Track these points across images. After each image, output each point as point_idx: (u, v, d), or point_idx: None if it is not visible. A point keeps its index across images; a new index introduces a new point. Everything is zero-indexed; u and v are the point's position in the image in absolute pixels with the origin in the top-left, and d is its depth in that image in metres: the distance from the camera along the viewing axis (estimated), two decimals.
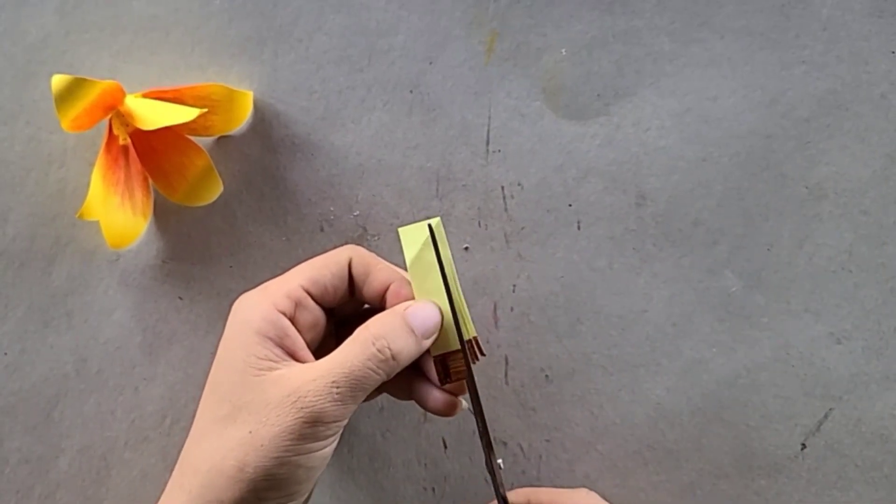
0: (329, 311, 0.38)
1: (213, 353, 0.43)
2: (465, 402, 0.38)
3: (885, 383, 0.43)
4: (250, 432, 0.32)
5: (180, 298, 0.44)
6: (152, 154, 0.42)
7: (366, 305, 0.39)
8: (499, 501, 0.37)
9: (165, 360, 0.44)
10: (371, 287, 0.37)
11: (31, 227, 0.44)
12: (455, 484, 0.44)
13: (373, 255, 0.38)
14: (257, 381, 0.33)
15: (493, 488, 0.38)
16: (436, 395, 0.37)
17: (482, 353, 0.37)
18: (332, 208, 0.44)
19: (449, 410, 0.37)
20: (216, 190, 0.43)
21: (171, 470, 0.43)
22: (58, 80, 0.38)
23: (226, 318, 0.35)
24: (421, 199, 0.44)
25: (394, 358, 0.34)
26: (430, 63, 0.44)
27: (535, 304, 0.43)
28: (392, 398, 0.44)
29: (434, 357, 0.36)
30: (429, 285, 0.36)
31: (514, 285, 0.43)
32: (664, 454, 0.43)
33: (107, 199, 0.41)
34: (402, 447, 0.44)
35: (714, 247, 0.43)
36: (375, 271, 0.37)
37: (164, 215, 0.44)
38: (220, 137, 0.44)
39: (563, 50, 0.43)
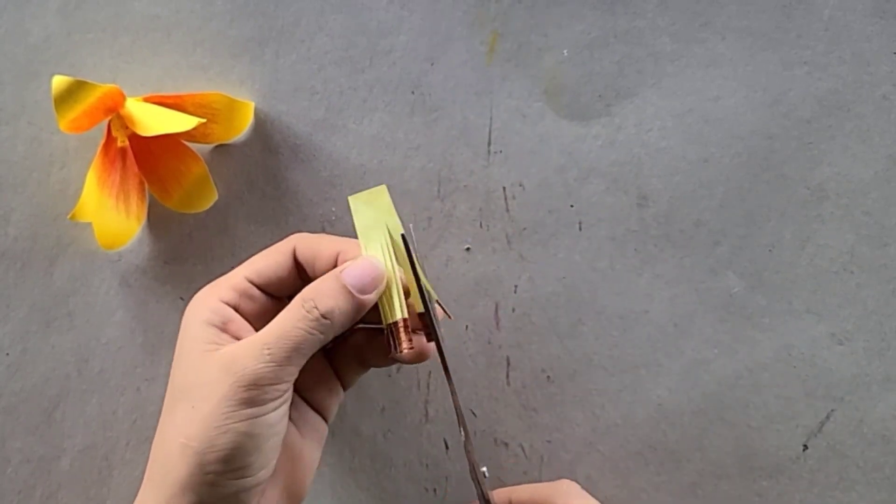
0: (279, 299, 0.38)
1: None
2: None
3: (886, 384, 0.43)
4: (193, 407, 0.33)
5: (182, 299, 0.44)
6: (149, 158, 0.42)
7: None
8: None
9: (167, 361, 0.44)
10: (322, 262, 0.37)
11: (32, 227, 0.44)
12: (456, 484, 0.44)
13: (319, 235, 0.38)
14: (202, 361, 0.34)
15: (477, 494, 0.38)
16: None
17: (448, 317, 0.38)
18: (333, 209, 0.44)
19: (417, 358, 0.38)
20: (211, 198, 0.43)
21: None
22: (58, 82, 0.38)
23: None
24: (422, 200, 0.44)
25: (324, 317, 0.34)
26: (432, 63, 0.44)
27: (537, 304, 0.43)
28: (392, 398, 0.44)
29: (386, 326, 0.36)
30: (376, 250, 0.36)
31: (516, 286, 0.43)
32: (665, 455, 0.43)
33: (101, 201, 0.41)
34: (403, 448, 0.44)
35: (716, 247, 0.43)
36: (322, 248, 0.37)
37: (166, 216, 0.44)
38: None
39: (565, 50, 0.43)
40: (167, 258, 0.44)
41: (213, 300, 0.36)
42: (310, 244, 0.38)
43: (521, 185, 0.43)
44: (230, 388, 0.33)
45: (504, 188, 0.44)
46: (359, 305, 0.35)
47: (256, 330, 0.36)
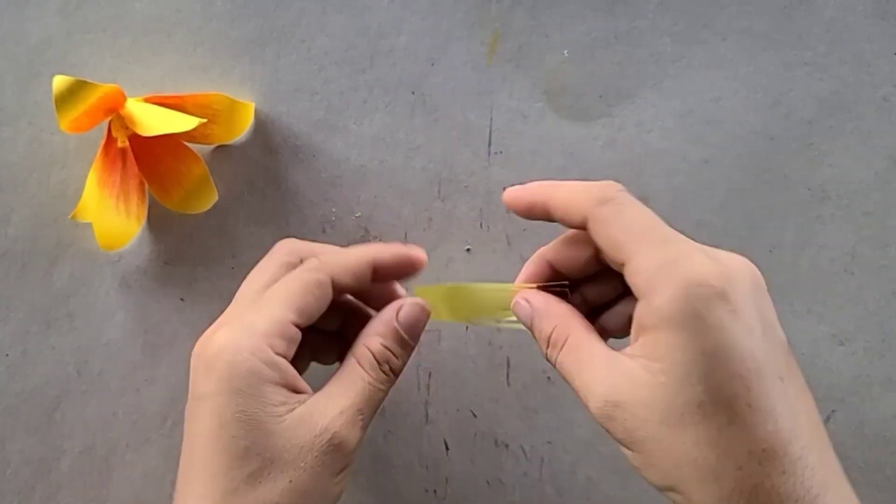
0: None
1: None
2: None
3: (887, 385, 0.43)
4: (290, 481, 0.32)
5: (182, 300, 0.44)
6: (150, 159, 0.42)
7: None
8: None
9: (167, 362, 0.44)
10: (360, 282, 0.36)
11: (32, 228, 0.43)
12: (457, 486, 0.44)
13: (339, 250, 0.37)
14: (282, 427, 0.33)
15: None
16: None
17: None
18: (333, 210, 0.44)
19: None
20: (211, 199, 0.43)
21: (173, 471, 0.43)
22: (59, 82, 0.38)
23: None
24: (423, 201, 0.44)
25: (396, 375, 0.35)
26: (432, 64, 0.44)
27: None
28: (393, 400, 0.44)
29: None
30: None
31: None
32: None
33: (101, 201, 0.41)
34: (403, 449, 0.44)
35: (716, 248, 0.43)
36: (354, 267, 0.36)
37: (166, 217, 0.44)
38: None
39: (566, 51, 0.43)
40: (167, 259, 0.44)
41: (264, 352, 0.33)
42: (342, 267, 0.36)
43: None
44: (332, 460, 0.33)
45: (504, 188, 0.43)
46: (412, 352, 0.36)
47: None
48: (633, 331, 0.31)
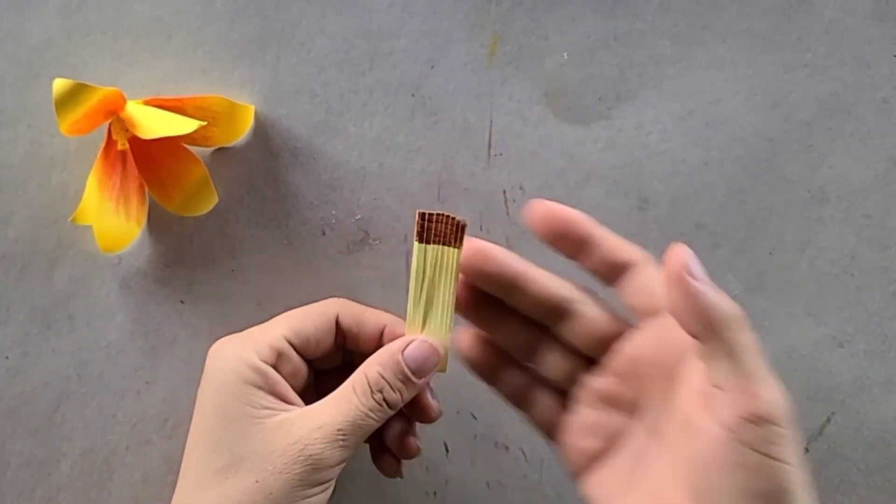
0: (309, 362, 0.38)
1: None
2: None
3: (887, 387, 0.43)
4: (257, 481, 0.33)
5: (182, 302, 0.44)
6: (149, 161, 0.42)
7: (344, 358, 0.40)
8: None
9: (167, 364, 0.44)
10: (366, 336, 0.37)
11: (32, 229, 0.44)
12: (456, 488, 0.44)
13: (361, 306, 0.38)
14: (257, 429, 0.34)
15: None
16: (384, 454, 0.38)
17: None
18: (333, 212, 0.44)
19: (389, 472, 0.39)
20: (211, 201, 0.43)
21: (174, 473, 0.43)
22: (58, 84, 0.38)
23: (224, 327, 0.35)
24: (423, 203, 0.44)
25: (392, 408, 0.35)
26: (432, 66, 0.44)
27: None
28: None
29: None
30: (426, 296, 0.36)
31: None
32: None
33: (101, 204, 0.41)
34: None
35: (716, 250, 0.43)
36: (366, 320, 0.37)
37: (166, 219, 0.44)
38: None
39: (565, 53, 0.43)
40: (167, 261, 0.44)
41: (250, 356, 0.35)
42: (353, 312, 0.37)
43: (521, 188, 0.43)
44: (303, 470, 0.33)
45: (504, 191, 0.44)
46: (417, 391, 0.36)
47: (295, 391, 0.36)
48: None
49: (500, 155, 0.44)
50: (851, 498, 0.43)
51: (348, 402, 0.34)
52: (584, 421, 0.34)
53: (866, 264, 0.43)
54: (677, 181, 0.43)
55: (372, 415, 0.34)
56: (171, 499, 0.43)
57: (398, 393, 0.35)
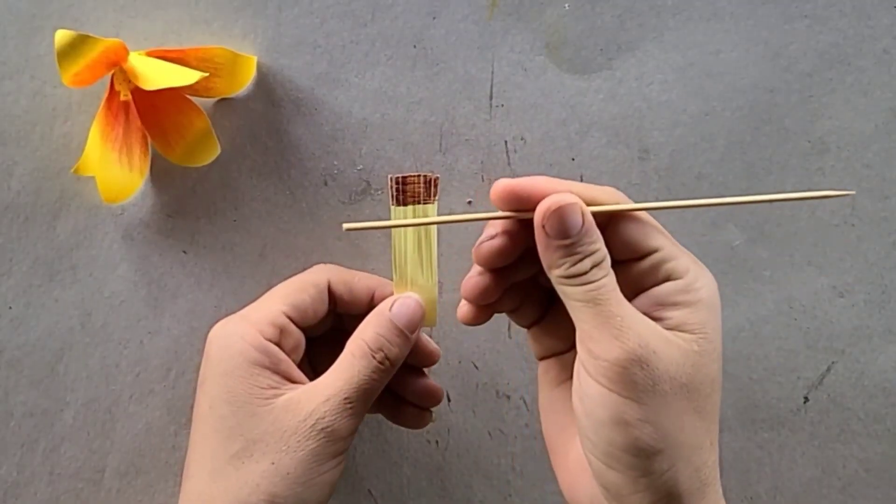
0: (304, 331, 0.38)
1: (218, 307, 0.43)
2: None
3: (887, 336, 0.43)
4: (273, 463, 0.33)
5: (184, 252, 0.44)
6: (152, 112, 0.42)
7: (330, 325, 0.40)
8: None
9: (170, 314, 0.44)
10: (358, 300, 0.38)
11: (35, 181, 0.44)
12: (458, 436, 0.44)
13: (348, 270, 0.39)
14: (267, 410, 0.34)
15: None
16: (408, 410, 0.39)
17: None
18: (335, 163, 0.44)
19: (419, 424, 0.39)
20: (213, 152, 0.43)
21: (176, 423, 0.43)
22: (61, 36, 0.38)
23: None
24: (424, 154, 0.44)
25: (393, 365, 0.35)
26: (434, 18, 0.44)
27: None
28: None
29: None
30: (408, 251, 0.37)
31: None
32: None
33: (104, 155, 0.41)
34: None
35: None
36: (356, 284, 0.38)
37: (168, 170, 0.44)
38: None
39: (566, 4, 0.43)
40: (170, 212, 0.44)
41: (254, 336, 0.35)
42: (344, 279, 0.38)
43: (522, 139, 0.44)
44: (317, 445, 0.33)
45: (506, 142, 0.44)
46: (410, 346, 0.37)
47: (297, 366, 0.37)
48: (649, 304, 0.32)
49: (502, 106, 0.44)
50: (851, 447, 0.43)
51: (350, 369, 0.35)
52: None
53: (866, 214, 0.43)
54: (678, 132, 0.43)
55: (375, 376, 0.35)
56: (174, 448, 0.44)
57: (397, 349, 0.35)
